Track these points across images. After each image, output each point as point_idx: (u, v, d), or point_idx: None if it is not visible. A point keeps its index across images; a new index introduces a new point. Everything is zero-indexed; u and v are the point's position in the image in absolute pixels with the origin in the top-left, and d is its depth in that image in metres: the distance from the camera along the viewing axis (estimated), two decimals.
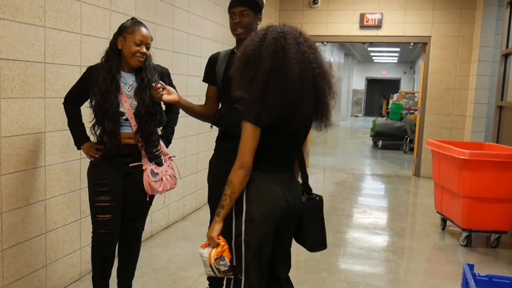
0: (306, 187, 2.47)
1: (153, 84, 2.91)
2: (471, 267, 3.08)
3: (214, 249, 2.26)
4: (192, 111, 3.12)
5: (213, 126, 3.09)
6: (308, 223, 2.41)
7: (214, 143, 3.18)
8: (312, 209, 2.43)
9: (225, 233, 2.31)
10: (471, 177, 4.85)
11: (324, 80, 2.24)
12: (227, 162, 3.05)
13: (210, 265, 2.27)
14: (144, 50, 2.92)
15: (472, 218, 4.95)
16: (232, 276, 2.31)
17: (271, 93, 2.13)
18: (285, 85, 2.13)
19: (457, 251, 4.95)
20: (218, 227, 2.26)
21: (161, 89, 2.89)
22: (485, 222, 4.96)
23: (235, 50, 3.08)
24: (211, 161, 3.18)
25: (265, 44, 2.17)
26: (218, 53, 3.14)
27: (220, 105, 3.12)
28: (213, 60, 3.13)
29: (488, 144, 5.88)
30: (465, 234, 5.04)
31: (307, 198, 2.43)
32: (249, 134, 2.18)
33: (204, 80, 3.18)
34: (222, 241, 2.27)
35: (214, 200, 3.16)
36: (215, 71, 3.08)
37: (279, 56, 2.15)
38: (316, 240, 2.45)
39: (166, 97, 2.92)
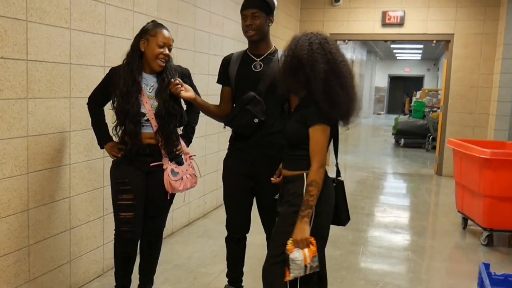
0: (337, 171, 2.72)
1: (172, 80, 2.98)
2: (486, 266, 3.08)
3: (308, 249, 2.36)
4: (207, 110, 3.19)
5: (226, 127, 3.14)
6: (341, 201, 2.68)
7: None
8: (341, 190, 2.70)
9: (283, 233, 2.46)
10: (492, 176, 4.82)
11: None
12: (241, 161, 3.13)
13: (305, 266, 2.36)
14: (167, 52, 2.98)
15: (493, 218, 4.92)
16: (317, 270, 2.43)
17: (333, 92, 2.36)
18: (344, 84, 2.39)
19: (478, 251, 4.92)
20: (308, 227, 2.38)
21: (179, 85, 2.96)
22: (506, 222, 4.92)
23: (247, 51, 3.13)
24: (225, 161, 3.25)
25: (314, 48, 2.39)
26: (231, 54, 3.20)
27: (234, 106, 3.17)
28: (226, 62, 3.19)
29: (510, 143, 5.81)
30: (486, 233, 5.00)
31: (338, 181, 2.68)
32: (321, 135, 2.42)
33: (218, 82, 3.24)
34: (313, 240, 2.39)
35: (229, 200, 3.23)
36: (228, 72, 3.13)
37: (328, 59, 2.39)
38: (346, 215, 2.72)
39: (184, 93, 3.00)
